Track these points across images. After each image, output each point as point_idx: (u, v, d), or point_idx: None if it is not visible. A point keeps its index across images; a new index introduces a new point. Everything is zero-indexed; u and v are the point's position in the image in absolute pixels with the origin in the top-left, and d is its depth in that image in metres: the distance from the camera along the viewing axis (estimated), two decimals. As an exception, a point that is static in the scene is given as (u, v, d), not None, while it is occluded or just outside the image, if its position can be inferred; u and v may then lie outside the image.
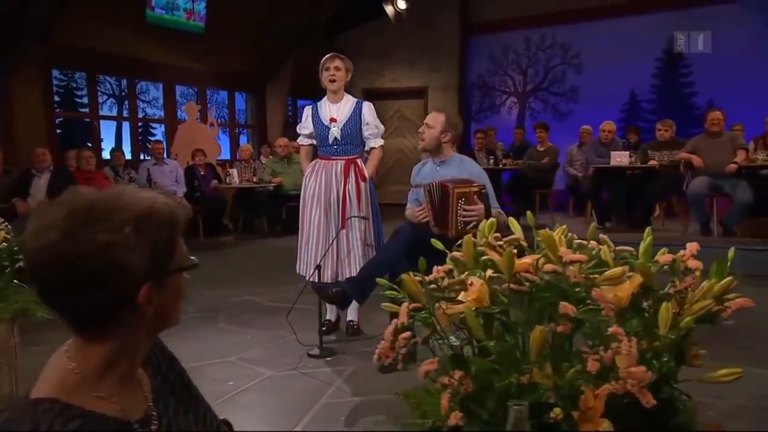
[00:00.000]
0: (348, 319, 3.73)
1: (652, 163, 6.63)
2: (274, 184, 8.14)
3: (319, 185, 3.58)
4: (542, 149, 7.73)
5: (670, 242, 1.60)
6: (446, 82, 10.77)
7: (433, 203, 3.04)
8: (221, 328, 3.95)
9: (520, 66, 10.37)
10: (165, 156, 8.03)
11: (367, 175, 3.62)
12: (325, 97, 3.70)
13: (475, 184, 2.92)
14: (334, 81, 3.57)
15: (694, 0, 8.74)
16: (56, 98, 8.17)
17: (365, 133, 3.64)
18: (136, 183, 7.40)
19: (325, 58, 3.62)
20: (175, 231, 0.90)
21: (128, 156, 8.38)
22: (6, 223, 2.68)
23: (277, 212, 8.25)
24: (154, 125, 9.71)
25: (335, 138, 3.56)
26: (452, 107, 10.69)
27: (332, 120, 3.58)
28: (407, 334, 1.22)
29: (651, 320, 1.18)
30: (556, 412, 1.12)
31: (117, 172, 7.46)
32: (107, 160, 7.80)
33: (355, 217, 3.43)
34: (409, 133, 11.29)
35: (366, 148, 3.72)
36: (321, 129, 3.60)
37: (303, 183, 3.69)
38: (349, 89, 12.27)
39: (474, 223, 2.90)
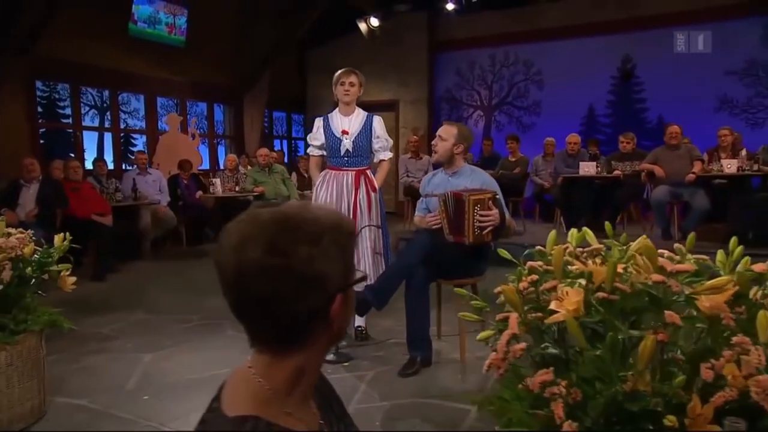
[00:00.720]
0: (356, 325, 3.69)
1: (616, 173, 6.82)
2: (256, 193, 8.01)
3: (330, 195, 3.54)
4: (513, 159, 7.86)
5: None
6: (416, 95, 10.84)
7: (447, 212, 3.04)
8: (230, 336, 3.84)
9: (486, 81, 10.52)
10: (148, 166, 7.82)
11: (377, 185, 3.60)
12: (336, 110, 3.67)
13: (488, 192, 2.95)
14: (348, 94, 3.54)
15: (645, 24, 9.03)
16: (39, 109, 7.81)
17: (375, 146, 3.63)
18: (122, 192, 7.17)
19: (340, 72, 3.59)
20: (354, 242, 0.86)
21: (110, 166, 8.11)
22: (33, 235, 2.54)
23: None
24: (135, 136, 9.42)
25: (347, 150, 3.54)
26: (422, 120, 10.80)
27: (344, 132, 3.55)
28: (522, 345, 1.20)
29: (747, 327, 1.19)
30: (671, 420, 1.12)
31: (100, 182, 7.20)
32: (90, 170, 7.52)
33: (368, 226, 3.40)
34: (380, 144, 11.28)
35: (375, 160, 3.69)
36: (333, 140, 3.56)
37: (314, 193, 3.64)
38: (320, 103, 12.23)
39: (490, 227, 2.92)
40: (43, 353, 2.57)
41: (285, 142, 11.96)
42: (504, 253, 1.62)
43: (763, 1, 8.22)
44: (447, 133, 3.26)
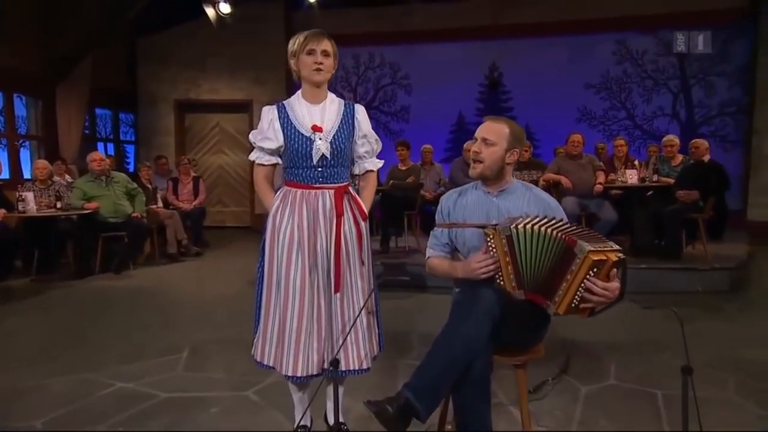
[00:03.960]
0: (334, 421, 2.39)
1: (519, 183, 6.24)
2: (87, 211, 6.03)
3: (299, 226, 2.21)
4: (404, 168, 6.93)
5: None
6: (273, 95, 9.37)
7: (513, 255, 1.93)
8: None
9: (350, 83, 9.52)
10: None
11: (366, 210, 2.34)
12: (298, 95, 2.33)
13: (613, 248, 1.86)
14: (321, 69, 2.23)
15: (511, 33, 8.80)
16: None
17: (360, 150, 2.36)
18: None
19: (306, 35, 2.25)
20: None
21: None
22: None
23: (92, 245, 6.15)
24: None
25: (322, 156, 2.22)
26: (280, 123, 9.40)
27: (316, 129, 2.23)
28: None
29: None
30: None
31: None
32: None
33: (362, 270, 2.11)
34: (229, 149, 9.70)
35: (357, 171, 2.42)
36: (298, 142, 2.23)
37: (269, 222, 2.27)
38: (155, 100, 10.02)
39: (602, 307, 1.86)
40: None
41: (111, 145, 9.66)
42: None
43: (612, 19, 8.42)
44: (497, 133, 2.15)
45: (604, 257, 1.80)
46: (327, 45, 2.23)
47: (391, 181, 6.76)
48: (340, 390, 2.31)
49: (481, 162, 2.14)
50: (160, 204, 7.37)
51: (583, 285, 1.82)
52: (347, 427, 2.42)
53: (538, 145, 8.40)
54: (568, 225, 1.97)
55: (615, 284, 1.82)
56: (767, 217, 7.86)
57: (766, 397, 2.80)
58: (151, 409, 2.79)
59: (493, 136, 2.14)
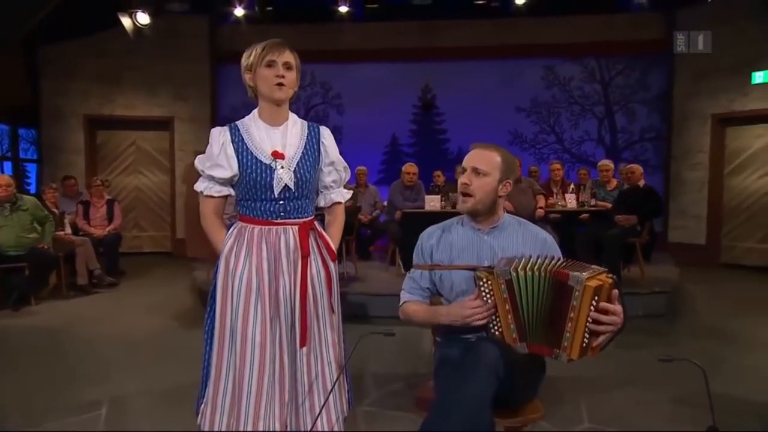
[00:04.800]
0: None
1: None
2: (-19, 241, 5.27)
3: (257, 269, 1.84)
4: (342, 192, 6.60)
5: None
6: (195, 113, 8.84)
7: (514, 301, 1.68)
8: None
9: (279, 102, 9.11)
10: None
11: (335, 249, 2.01)
12: (254, 115, 1.98)
13: (601, 271, 1.67)
14: (282, 85, 1.90)
15: (444, 55, 8.78)
16: None
17: (327, 179, 2.04)
18: None
19: (264, 46, 1.91)
20: None
21: None
22: None
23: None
24: None
25: (285, 186, 1.88)
26: (204, 142, 8.80)
27: (277, 155, 1.89)
28: None
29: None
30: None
31: None
32: None
33: (378, 332, 1.76)
34: (147, 169, 8.99)
35: (323, 203, 2.09)
36: (256, 170, 1.88)
37: (221, 265, 1.89)
38: (60, 115, 9.13)
39: (608, 336, 1.64)
40: None
41: (8, 164, 8.67)
42: None
43: (541, 46, 8.60)
44: (488, 163, 1.89)
45: (600, 282, 1.60)
46: (289, 57, 1.91)
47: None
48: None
49: (471, 195, 1.89)
50: (68, 230, 6.62)
51: (589, 319, 1.60)
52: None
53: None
54: (558, 260, 1.77)
55: (619, 307, 1.63)
56: (686, 238, 8.22)
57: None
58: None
59: (484, 165, 1.89)
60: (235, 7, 8.10)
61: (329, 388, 1.91)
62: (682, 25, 8.31)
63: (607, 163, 6.24)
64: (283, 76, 1.89)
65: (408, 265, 6.20)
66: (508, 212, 6.38)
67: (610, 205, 5.80)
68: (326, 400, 1.88)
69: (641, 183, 5.58)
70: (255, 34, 8.46)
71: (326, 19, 8.48)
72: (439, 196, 6.10)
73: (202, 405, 1.92)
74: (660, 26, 8.45)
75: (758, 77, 7.61)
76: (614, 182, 6.12)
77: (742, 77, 7.69)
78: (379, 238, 7.54)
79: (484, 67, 8.74)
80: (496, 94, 8.73)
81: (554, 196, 6.15)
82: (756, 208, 7.79)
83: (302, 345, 1.87)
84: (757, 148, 7.79)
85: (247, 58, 1.95)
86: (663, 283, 5.48)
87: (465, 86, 8.72)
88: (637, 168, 5.63)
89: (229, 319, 1.85)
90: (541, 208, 5.76)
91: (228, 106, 9.12)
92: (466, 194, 1.90)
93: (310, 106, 9.06)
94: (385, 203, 6.89)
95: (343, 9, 8.10)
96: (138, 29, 7.95)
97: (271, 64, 1.89)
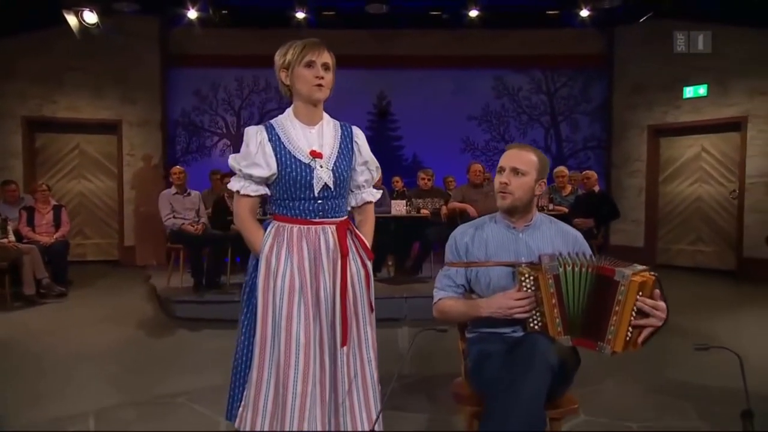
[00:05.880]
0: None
1: (424, 212, 6.19)
2: None
3: (300, 268, 1.81)
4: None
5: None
6: (145, 116, 8.49)
7: (561, 296, 1.74)
8: None
9: (233, 107, 8.93)
10: None
11: (370, 248, 2.01)
12: (289, 114, 1.95)
13: (643, 268, 1.75)
14: (322, 85, 1.88)
15: (399, 63, 8.89)
16: None
17: (360, 179, 2.03)
18: None
19: (303, 45, 1.90)
20: None
21: None
22: None
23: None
24: None
25: (324, 185, 1.87)
26: (155, 145, 8.53)
27: (315, 154, 1.88)
28: None
29: None
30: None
31: None
32: None
33: (433, 328, 1.75)
34: (92, 174, 8.57)
35: (355, 202, 2.08)
36: (296, 169, 1.85)
37: (262, 265, 1.84)
38: (2, 117, 8.74)
39: (651, 332, 1.73)
40: None
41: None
42: None
43: (491, 57, 8.89)
44: (527, 163, 1.94)
45: (644, 278, 1.69)
46: (328, 57, 1.91)
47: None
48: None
49: (510, 194, 1.94)
50: (12, 237, 6.19)
51: (633, 313, 1.68)
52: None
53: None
54: (602, 257, 1.85)
55: (662, 303, 1.72)
56: (626, 242, 8.69)
57: (730, 422, 2.89)
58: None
59: (523, 165, 1.95)
60: (189, 10, 7.87)
61: (369, 386, 1.90)
62: (619, 42, 8.86)
63: (562, 169, 6.52)
64: (322, 77, 1.88)
65: (378, 268, 6.23)
66: (472, 216, 6.50)
67: (566, 210, 6.05)
68: (366, 398, 1.88)
69: (596, 188, 5.87)
70: (207, 38, 8.34)
71: (282, 24, 8.38)
72: (404, 201, 6.16)
73: (240, 408, 1.86)
74: (600, 42, 8.94)
75: (688, 92, 8.19)
76: (569, 188, 6.40)
77: (674, 92, 8.25)
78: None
79: (437, 76, 8.92)
80: (449, 102, 8.92)
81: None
82: (687, 213, 8.36)
83: (343, 344, 1.85)
84: (687, 157, 8.37)
85: (283, 56, 1.93)
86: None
87: (419, 94, 8.86)
88: (593, 174, 5.92)
89: (271, 319, 1.81)
90: (503, 212, 5.93)
91: (179, 109, 8.85)
92: (505, 192, 1.95)
93: (265, 111, 8.93)
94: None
95: (300, 15, 8.05)
96: (84, 28, 7.57)
97: (310, 65, 1.88)
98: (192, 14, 7.90)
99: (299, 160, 1.86)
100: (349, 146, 1.98)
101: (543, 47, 8.86)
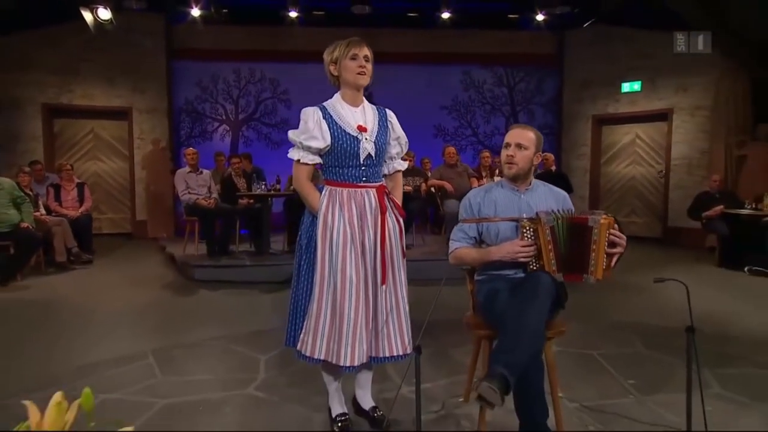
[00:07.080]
0: (370, 406, 2.29)
1: (406, 188, 6.44)
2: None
3: (350, 223, 2.07)
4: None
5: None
6: (153, 104, 8.47)
7: (556, 243, 2.04)
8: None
9: (232, 96, 8.94)
10: None
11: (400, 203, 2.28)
12: (337, 97, 2.18)
13: (603, 213, 2.06)
14: (364, 73, 2.13)
15: (380, 59, 8.95)
16: None
17: (393, 151, 2.28)
18: None
19: (348, 42, 2.13)
20: None
21: None
22: None
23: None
24: None
25: (368, 155, 2.11)
26: (162, 131, 8.52)
27: (361, 129, 2.12)
28: None
29: None
30: None
31: None
32: None
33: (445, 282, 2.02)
34: (106, 155, 8.53)
35: (387, 170, 2.32)
36: (346, 141, 2.09)
37: (320, 221, 2.08)
38: (17, 106, 8.72)
39: (618, 257, 2.06)
40: None
41: (-39, 150, 7.83)
42: None
43: (459, 54, 9.13)
44: (527, 139, 2.21)
45: (608, 219, 2.02)
46: (367, 51, 2.16)
47: (292, 187, 6.51)
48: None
49: (515, 164, 2.22)
50: (43, 211, 6.21)
51: (606, 246, 2.01)
52: (382, 412, 2.31)
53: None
54: (576, 210, 2.18)
55: (623, 236, 2.05)
56: (572, 214, 9.14)
57: (663, 348, 3.30)
58: (158, 417, 2.38)
59: (525, 141, 2.22)
60: (192, 8, 7.83)
61: (402, 318, 2.17)
62: (568, 44, 9.21)
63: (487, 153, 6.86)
64: (364, 67, 2.12)
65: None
66: (449, 192, 6.75)
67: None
68: (401, 327, 2.15)
69: (553, 168, 6.23)
70: (208, 33, 8.34)
71: (275, 22, 8.42)
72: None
73: (302, 335, 2.12)
74: (553, 44, 9.27)
75: (626, 87, 8.62)
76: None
77: (614, 87, 8.68)
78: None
79: (413, 70, 9.10)
80: (423, 93, 9.14)
81: (484, 178, 6.67)
82: (623, 190, 8.87)
83: (383, 283, 2.11)
84: (624, 143, 8.84)
85: (331, 53, 2.15)
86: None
87: (398, 86, 9.00)
88: (550, 156, 6.27)
89: (328, 265, 2.06)
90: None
91: (183, 98, 8.82)
92: (511, 163, 2.23)
93: (260, 100, 8.99)
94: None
95: (293, 14, 8.11)
96: (99, 23, 7.48)
97: (354, 57, 2.11)
98: (195, 12, 7.87)
99: (348, 134, 2.09)
100: (385, 124, 2.23)
101: (504, 46, 9.14)
